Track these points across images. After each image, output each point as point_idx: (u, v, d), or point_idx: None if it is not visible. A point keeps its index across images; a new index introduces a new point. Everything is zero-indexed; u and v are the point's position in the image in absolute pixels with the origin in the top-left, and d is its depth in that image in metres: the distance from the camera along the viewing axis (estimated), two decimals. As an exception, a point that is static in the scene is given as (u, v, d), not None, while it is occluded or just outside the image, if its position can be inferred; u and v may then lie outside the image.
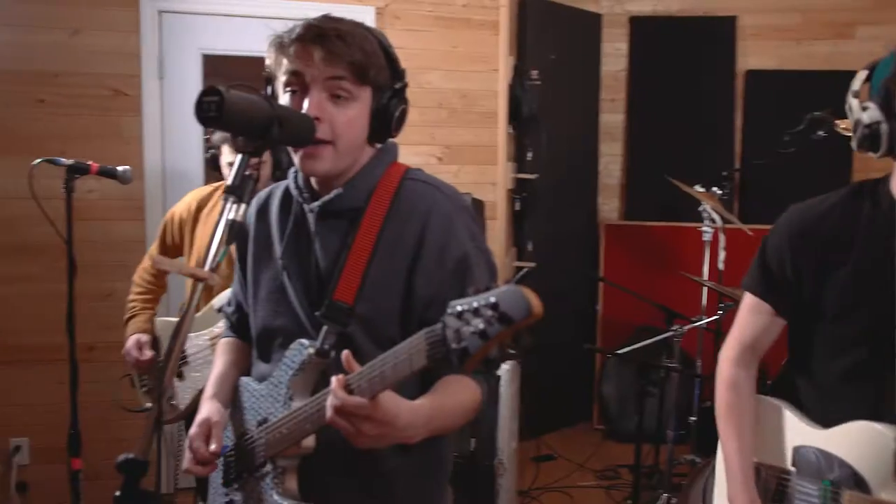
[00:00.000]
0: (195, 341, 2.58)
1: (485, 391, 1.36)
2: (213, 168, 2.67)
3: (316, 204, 1.40)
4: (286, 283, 1.43)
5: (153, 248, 2.81)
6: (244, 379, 1.51)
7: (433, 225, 1.35)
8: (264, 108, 1.24)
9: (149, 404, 2.70)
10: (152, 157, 3.51)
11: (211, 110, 1.18)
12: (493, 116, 3.99)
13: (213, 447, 1.41)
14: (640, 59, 4.95)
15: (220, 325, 2.54)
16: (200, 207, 2.70)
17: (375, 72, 1.35)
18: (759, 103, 4.80)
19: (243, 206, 1.26)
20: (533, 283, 4.49)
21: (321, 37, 1.31)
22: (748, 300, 1.66)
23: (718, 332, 3.67)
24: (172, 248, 2.76)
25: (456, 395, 1.30)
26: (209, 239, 2.71)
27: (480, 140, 3.99)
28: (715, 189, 3.71)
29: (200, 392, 2.20)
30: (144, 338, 2.66)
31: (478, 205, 3.48)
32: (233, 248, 2.50)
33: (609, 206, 5.08)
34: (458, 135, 3.97)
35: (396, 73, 1.40)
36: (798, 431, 1.60)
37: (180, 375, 2.61)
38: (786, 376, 1.68)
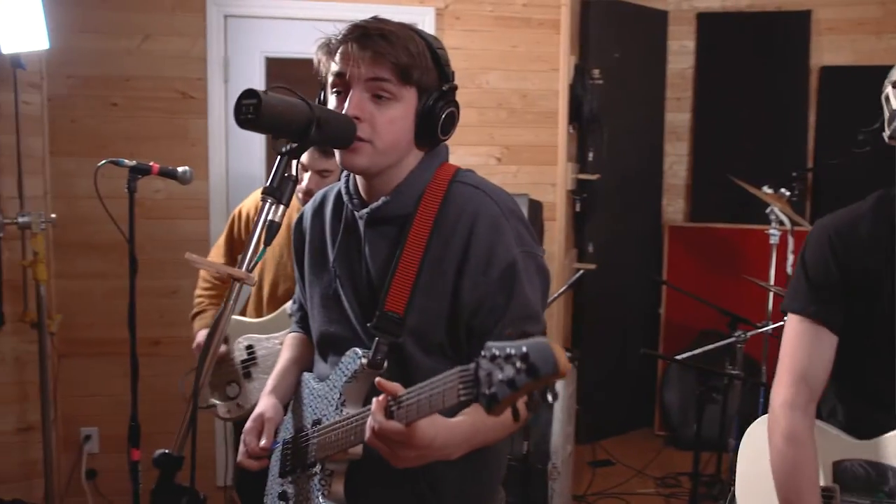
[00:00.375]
0: (265, 344, 2.61)
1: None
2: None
3: (364, 211, 1.39)
4: (339, 290, 1.44)
5: (220, 240, 2.83)
6: (307, 375, 1.53)
7: (479, 230, 1.32)
8: (302, 111, 1.25)
9: (213, 400, 2.75)
10: (216, 158, 3.61)
11: (249, 112, 1.20)
12: (552, 116, 3.95)
13: (262, 442, 1.44)
14: (707, 56, 4.81)
15: None
16: None
17: (420, 73, 1.33)
18: (833, 100, 4.61)
19: (282, 207, 1.29)
20: (593, 285, 4.45)
21: (365, 37, 1.31)
22: (794, 323, 1.54)
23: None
24: (239, 242, 2.77)
25: None
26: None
27: (540, 140, 3.96)
28: (783, 190, 3.58)
29: None
30: None
31: (535, 206, 3.44)
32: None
33: (674, 208, 4.96)
34: (518, 135, 3.94)
35: (444, 75, 1.37)
36: (836, 446, 1.52)
37: (248, 376, 2.64)
38: (823, 399, 1.60)
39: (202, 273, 2.84)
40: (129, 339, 2.65)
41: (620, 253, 4.60)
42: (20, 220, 3.02)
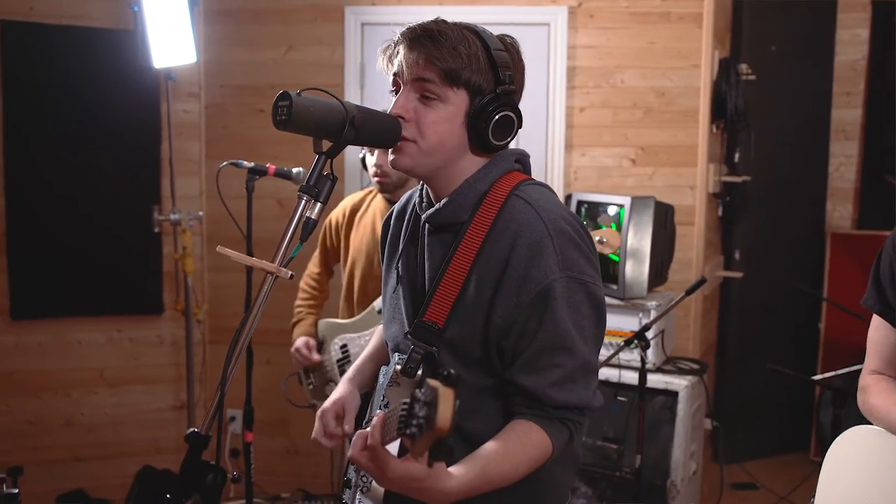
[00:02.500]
0: (357, 342, 2.72)
1: (560, 441, 1.30)
2: (363, 168, 2.80)
3: (425, 216, 1.41)
4: (400, 291, 1.46)
5: (316, 254, 2.97)
6: (383, 368, 1.56)
7: (518, 251, 1.29)
8: (337, 111, 1.29)
9: (314, 401, 2.87)
10: (352, 158, 3.77)
11: (283, 114, 1.26)
12: (692, 115, 3.74)
13: (346, 427, 1.51)
14: (884, 46, 4.34)
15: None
16: (354, 211, 2.79)
17: (470, 74, 1.31)
18: None
19: (319, 205, 1.34)
20: (739, 295, 4.16)
21: (413, 39, 1.33)
22: (872, 319, 1.62)
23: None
24: (332, 251, 2.89)
25: (512, 451, 1.26)
26: (361, 242, 2.84)
27: (678, 141, 3.76)
28: (957, 194, 3.16)
29: None
30: (312, 341, 2.82)
31: (663, 209, 3.28)
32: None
33: (840, 213, 4.52)
34: (654, 135, 3.77)
35: (500, 78, 1.34)
36: None
37: (343, 373, 2.75)
38: None
39: (301, 283, 2.96)
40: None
41: (773, 261, 4.27)
42: (171, 217, 3.34)
